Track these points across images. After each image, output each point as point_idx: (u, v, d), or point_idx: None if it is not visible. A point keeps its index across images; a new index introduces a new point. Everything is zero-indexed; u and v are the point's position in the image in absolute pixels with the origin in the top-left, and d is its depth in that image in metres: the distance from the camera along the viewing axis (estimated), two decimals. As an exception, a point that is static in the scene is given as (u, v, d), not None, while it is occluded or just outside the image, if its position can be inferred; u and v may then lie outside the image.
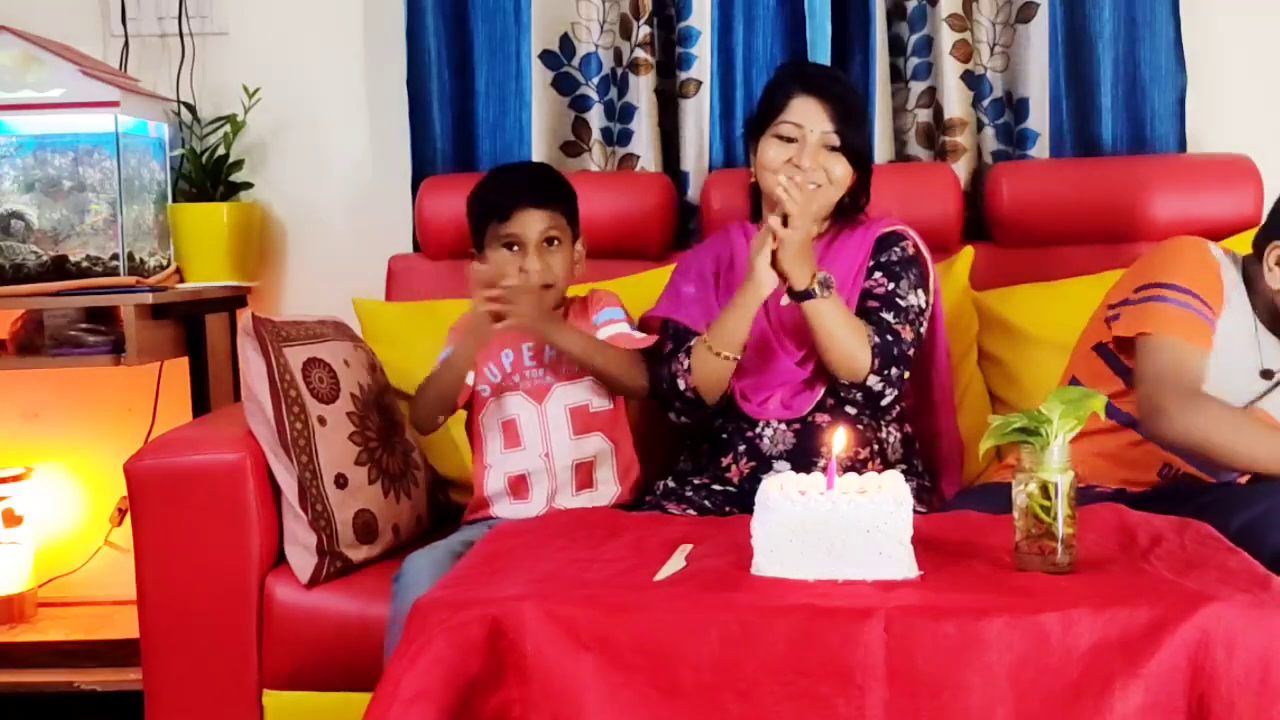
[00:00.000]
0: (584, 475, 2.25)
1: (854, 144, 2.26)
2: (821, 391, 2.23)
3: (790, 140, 2.25)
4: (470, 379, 2.24)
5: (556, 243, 2.23)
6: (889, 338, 2.19)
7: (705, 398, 2.23)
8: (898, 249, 2.30)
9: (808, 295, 2.11)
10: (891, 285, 2.25)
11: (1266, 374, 2.11)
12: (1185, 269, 2.11)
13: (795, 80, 2.30)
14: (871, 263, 2.29)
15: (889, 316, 2.22)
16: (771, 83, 2.36)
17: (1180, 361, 2.03)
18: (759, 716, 1.47)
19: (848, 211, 2.34)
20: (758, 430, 2.23)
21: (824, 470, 1.63)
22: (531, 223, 2.21)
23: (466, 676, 1.51)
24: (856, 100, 2.35)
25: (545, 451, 2.22)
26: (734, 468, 2.24)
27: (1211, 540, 1.70)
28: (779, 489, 1.60)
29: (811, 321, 2.14)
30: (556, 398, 2.24)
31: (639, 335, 2.28)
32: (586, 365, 2.22)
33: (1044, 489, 1.59)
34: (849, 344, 2.15)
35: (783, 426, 2.22)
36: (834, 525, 1.56)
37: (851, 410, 2.23)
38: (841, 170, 2.27)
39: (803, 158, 2.24)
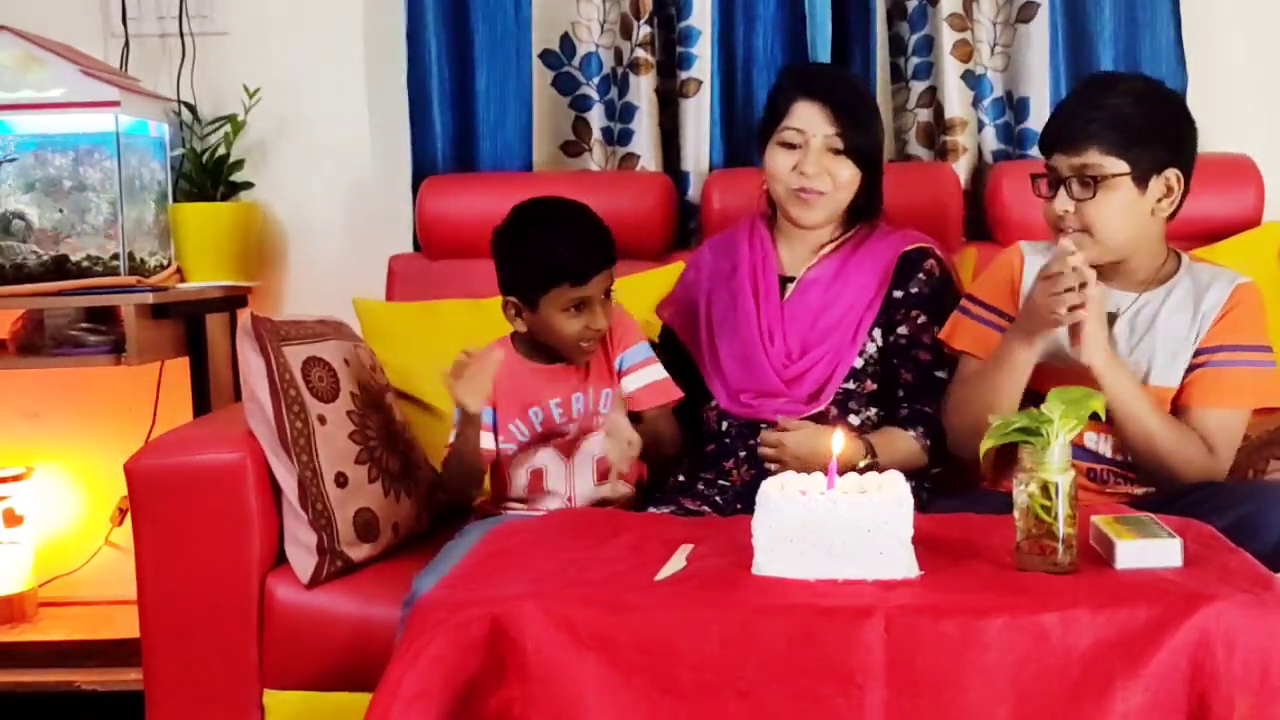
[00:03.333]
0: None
1: (858, 146, 2.24)
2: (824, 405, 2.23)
3: (795, 146, 2.25)
4: (488, 441, 2.18)
5: (610, 292, 2.18)
6: (933, 410, 2.21)
7: None
8: (923, 274, 2.27)
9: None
10: (936, 329, 2.23)
11: (1110, 317, 2.11)
12: (982, 279, 2.25)
13: (796, 85, 2.28)
14: (899, 293, 2.26)
15: (943, 376, 2.22)
16: (775, 87, 2.34)
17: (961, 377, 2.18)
18: (759, 716, 1.47)
19: (862, 214, 2.32)
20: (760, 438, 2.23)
21: (825, 470, 1.63)
22: (601, 282, 2.15)
23: (467, 676, 1.51)
24: (860, 100, 2.30)
25: (569, 497, 2.20)
26: (735, 472, 2.24)
27: (1212, 540, 1.70)
28: (779, 489, 1.60)
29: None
30: (584, 450, 2.20)
31: (664, 378, 2.23)
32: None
33: (1044, 489, 1.59)
34: (906, 465, 2.09)
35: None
36: (834, 525, 1.56)
37: (856, 421, 2.23)
38: (848, 174, 2.25)
39: (806, 163, 2.23)
